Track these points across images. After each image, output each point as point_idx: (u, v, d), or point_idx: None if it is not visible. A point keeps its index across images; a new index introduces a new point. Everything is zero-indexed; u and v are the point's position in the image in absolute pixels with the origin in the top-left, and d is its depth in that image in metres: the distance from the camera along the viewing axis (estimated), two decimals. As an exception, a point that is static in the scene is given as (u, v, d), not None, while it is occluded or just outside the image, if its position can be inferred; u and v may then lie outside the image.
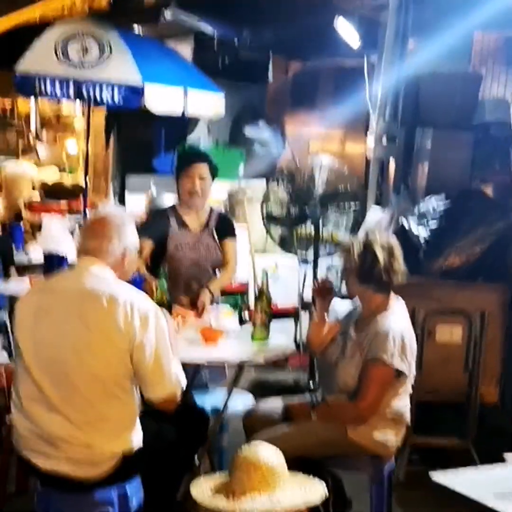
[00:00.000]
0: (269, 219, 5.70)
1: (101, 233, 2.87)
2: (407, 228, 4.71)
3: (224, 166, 7.04)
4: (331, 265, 6.39)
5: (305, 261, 6.51)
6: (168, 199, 6.68)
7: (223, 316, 3.81)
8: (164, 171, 6.89)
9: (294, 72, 9.23)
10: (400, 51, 5.22)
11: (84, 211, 6.35)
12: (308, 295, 6.49)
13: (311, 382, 5.65)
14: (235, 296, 5.26)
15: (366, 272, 3.35)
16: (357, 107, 9.09)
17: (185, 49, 7.19)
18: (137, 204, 6.83)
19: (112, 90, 5.85)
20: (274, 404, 3.64)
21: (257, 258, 6.36)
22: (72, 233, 6.03)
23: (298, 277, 6.53)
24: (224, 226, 4.39)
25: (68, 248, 5.48)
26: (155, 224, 4.29)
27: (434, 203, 4.71)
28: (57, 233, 5.65)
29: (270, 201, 5.67)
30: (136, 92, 5.95)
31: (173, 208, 4.35)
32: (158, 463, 3.02)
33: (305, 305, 6.56)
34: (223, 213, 4.49)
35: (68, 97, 5.87)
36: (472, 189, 4.84)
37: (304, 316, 6.56)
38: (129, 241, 2.92)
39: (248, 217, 6.41)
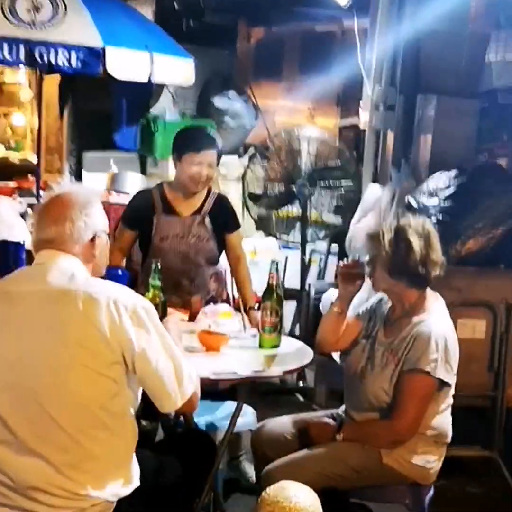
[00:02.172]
0: (251, 198, 5.14)
1: (62, 216, 2.27)
2: (416, 207, 4.17)
3: (192, 141, 6.43)
4: (314, 250, 5.87)
5: (286, 245, 5.98)
6: (132, 178, 6.03)
7: (221, 317, 3.21)
8: (125, 146, 6.22)
9: (257, 38, 8.57)
10: (398, 9, 4.64)
11: (38, 191, 5.64)
12: (291, 283, 6.03)
13: (301, 382, 5.13)
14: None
15: (399, 264, 2.80)
16: (327, 76, 8.60)
17: (145, 11, 6.49)
18: (96, 184, 6.14)
19: (69, 53, 5.15)
20: (284, 422, 3.08)
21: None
22: (23, 216, 5.34)
23: (281, 262, 6.01)
24: (224, 214, 3.74)
25: (22, 233, 4.81)
26: (137, 208, 3.66)
27: (445, 180, 4.18)
28: (8, 217, 4.93)
29: (252, 179, 5.10)
30: (96, 55, 5.26)
31: (159, 188, 3.68)
32: (159, 505, 2.43)
33: (287, 294, 6.05)
34: (222, 195, 3.83)
35: (17, 62, 5.13)
36: (489, 163, 4.32)
37: (287, 306, 6.06)
38: (97, 223, 2.32)
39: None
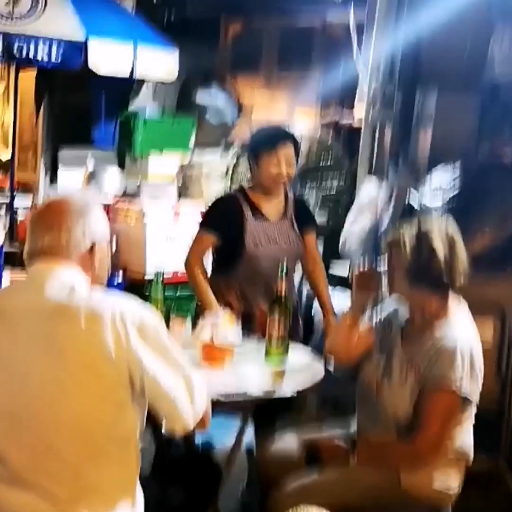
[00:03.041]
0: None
1: (57, 224, 2.06)
2: (417, 206, 3.96)
3: (174, 137, 6.17)
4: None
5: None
6: (110, 175, 5.75)
7: (223, 326, 2.94)
8: (104, 142, 5.94)
9: (235, 33, 8.29)
10: (398, 1, 4.41)
11: (11, 190, 5.34)
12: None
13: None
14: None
15: (421, 271, 2.58)
16: (307, 72, 8.37)
17: (125, 4, 6.19)
18: (72, 181, 5.86)
19: (50, 46, 4.85)
20: (291, 441, 2.84)
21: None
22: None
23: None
24: (303, 214, 3.61)
25: (-1, 234, 4.55)
26: (224, 212, 3.42)
27: (448, 178, 3.97)
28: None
29: (239, 176, 4.86)
30: (78, 49, 4.98)
31: (242, 192, 3.49)
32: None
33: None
34: (299, 196, 3.74)
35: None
36: (495, 161, 4.11)
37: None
38: (97, 230, 2.11)
39: (206, 195, 5.55)
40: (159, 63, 5.48)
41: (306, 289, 4.79)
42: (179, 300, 5.09)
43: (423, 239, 2.58)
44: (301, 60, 8.22)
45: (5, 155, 6.54)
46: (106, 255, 2.15)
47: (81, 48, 5.02)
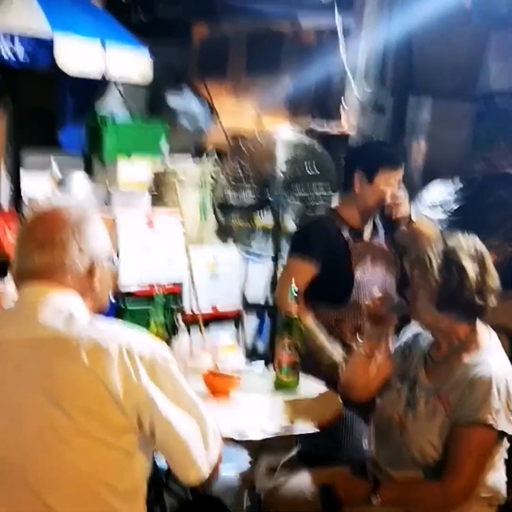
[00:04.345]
0: (220, 207, 4.60)
1: (49, 240, 1.76)
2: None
3: (144, 141, 5.86)
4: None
5: (248, 257, 5.49)
6: (77, 181, 5.42)
7: (223, 351, 2.68)
8: (71, 147, 5.60)
9: (202, 36, 8.03)
10: (389, 5, 4.22)
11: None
12: (253, 297, 5.55)
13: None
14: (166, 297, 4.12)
15: (451, 295, 2.34)
16: (276, 77, 8.14)
17: (93, 2, 5.88)
18: (36, 187, 5.51)
19: (13, 42, 4.49)
20: (303, 478, 2.58)
21: (192, 252, 5.23)
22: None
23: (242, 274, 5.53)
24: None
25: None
26: (322, 237, 3.07)
27: (450, 190, 3.78)
28: None
29: (220, 186, 4.57)
30: (45, 46, 4.64)
31: (334, 213, 3.18)
32: None
33: (251, 308, 5.60)
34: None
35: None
36: (499, 172, 3.94)
37: (247, 320, 5.62)
38: (97, 246, 1.82)
39: (181, 203, 5.26)
40: (132, 64, 5.18)
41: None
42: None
43: (450, 257, 2.35)
44: (271, 66, 8.02)
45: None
46: (108, 275, 1.86)
47: (48, 45, 4.69)
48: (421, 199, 3.84)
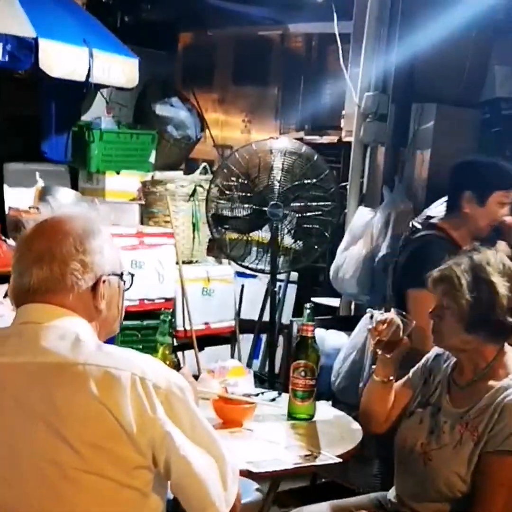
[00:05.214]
0: (215, 220, 4.39)
1: (49, 251, 1.57)
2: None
3: (133, 152, 5.64)
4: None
5: (242, 273, 5.29)
6: (63, 194, 5.18)
7: (231, 375, 2.47)
8: (55, 157, 5.35)
9: (190, 42, 7.81)
10: (390, 10, 4.05)
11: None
12: (249, 314, 5.35)
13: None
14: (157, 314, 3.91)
15: (482, 314, 2.17)
16: (265, 86, 7.95)
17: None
18: (19, 201, 5.27)
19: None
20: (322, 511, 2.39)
21: (184, 266, 5.04)
22: None
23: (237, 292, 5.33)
24: None
25: None
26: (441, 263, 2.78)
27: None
28: None
29: (214, 195, 4.38)
30: (27, 47, 4.41)
31: (445, 233, 3.00)
32: None
33: (245, 326, 5.40)
34: None
35: None
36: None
37: (242, 339, 5.41)
38: (104, 261, 1.61)
39: (173, 217, 5.06)
40: (118, 67, 4.97)
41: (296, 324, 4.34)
42: (146, 330, 4.59)
43: (479, 273, 2.18)
44: (259, 73, 7.84)
45: None
46: (117, 294, 1.65)
47: (31, 46, 4.46)
48: (427, 211, 3.67)
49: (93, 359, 1.48)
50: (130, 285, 1.69)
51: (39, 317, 1.55)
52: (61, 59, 4.66)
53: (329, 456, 2.06)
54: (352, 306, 4.53)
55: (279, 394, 2.53)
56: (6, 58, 4.39)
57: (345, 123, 4.42)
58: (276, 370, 4.42)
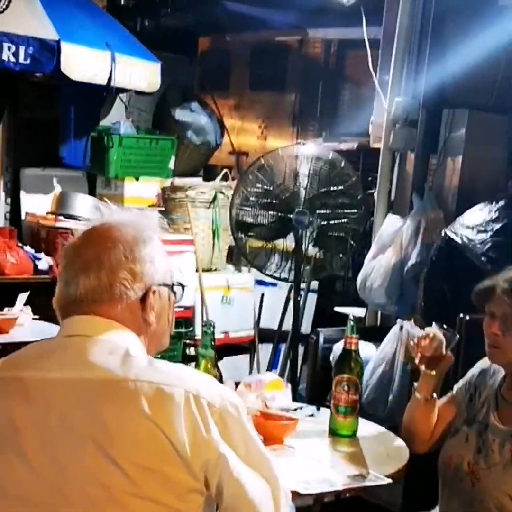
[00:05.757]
0: (240, 227, 4.29)
1: (97, 259, 1.46)
2: (459, 242, 3.46)
3: (152, 158, 5.56)
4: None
5: (262, 281, 5.20)
6: (81, 200, 5.11)
7: (268, 389, 2.37)
8: (74, 163, 5.27)
9: (208, 47, 7.72)
10: (422, 14, 3.96)
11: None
12: (267, 324, 5.26)
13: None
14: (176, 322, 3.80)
15: None
16: (282, 91, 7.86)
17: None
18: (36, 207, 5.20)
19: (17, 45, 4.19)
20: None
21: (204, 274, 4.95)
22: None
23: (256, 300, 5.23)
24: None
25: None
26: None
27: (492, 209, 3.50)
28: None
29: (237, 202, 4.28)
30: (49, 50, 4.34)
31: None
32: None
33: (264, 335, 5.30)
34: None
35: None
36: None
37: (261, 348, 5.31)
38: (154, 271, 1.50)
39: (193, 224, 4.97)
40: (140, 71, 4.89)
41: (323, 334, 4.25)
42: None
43: None
44: (275, 79, 7.74)
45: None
46: (167, 306, 1.55)
47: (53, 50, 4.39)
48: (461, 220, 3.56)
49: (145, 375, 1.38)
50: (181, 298, 1.59)
51: (86, 330, 1.45)
52: (83, 63, 4.60)
53: (379, 476, 1.95)
54: (379, 316, 4.42)
55: (318, 409, 2.42)
56: (28, 61, 4.32)
57: (373, 129, 4.31)
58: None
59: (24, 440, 1.38)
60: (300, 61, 7.51)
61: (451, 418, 2.28)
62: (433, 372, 2.24)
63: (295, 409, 2.37)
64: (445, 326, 2.27)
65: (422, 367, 2.26)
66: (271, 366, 5.37)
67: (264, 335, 5.26)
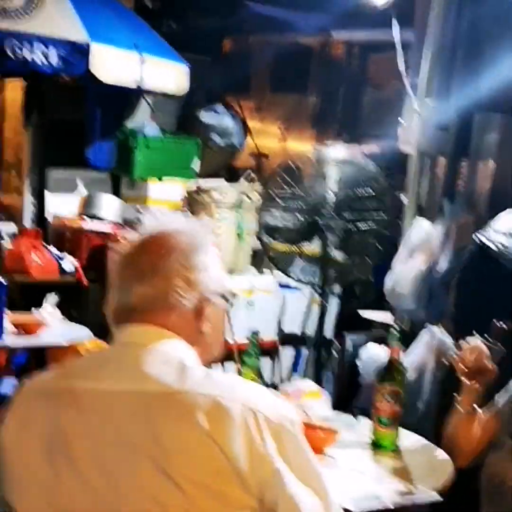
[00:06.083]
0: (267, 231, 4.27)
1: (153, 267, 1.43)
2: (493, 248, 3.42)
3: (176, 159, 5.53)
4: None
5: (286, 284, 5.17)
6: (107, 201, 5.10)
7: (306, 398, 2.34)
8: (99, 164, 5.28)
9: (227, 50, 7.70)
10: (456, 17, 3.91)
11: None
12: (289, 328, 5.23)
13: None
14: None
15: None
16: (303, 94, 7.83)
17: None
18: (62, 207, 5.18)
19: (47, 47, 4.18)
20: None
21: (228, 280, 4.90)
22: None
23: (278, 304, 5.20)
24: None
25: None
26: None
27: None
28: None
29: (264, 205, 4.26)
30: (80, 52, 4.33)
31: None
32: None
33: (287, 339, 5.27)
34: None
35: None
36: None
37: (283, 352, 5.28)
38: (210, 280, 1.48)
39: (216, 226, 4.94)
40: (169, 74, 4.87)
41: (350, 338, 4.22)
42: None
43: None
44: (297, 81, 7.70)
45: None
46: (221, 317, 1.52)
47: (84, 51, 4.38)
48: (494, 225, 3.52)
49: (201, 387, 1.34)
50: (232, 307, 1.57)
51: (140, 339, 1.42)
52: (113, 64, 4.58)
53: (428, 492, 1.90)
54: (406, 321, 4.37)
55: (356, 418, 2.40)
56: (60, 63, 4.30)
57: (402, 132, 4.27)
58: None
59: (76, 452, 1.35)
60: (322, 63, 7.49)
61: (494, 431, 2.24)
62: (476, 385, 2.20)
63: (335, 419, 2.34)
64: (490, 340, 2.23)
65: (465, 380, 2.22)
66: (293, 370, 5.35)
67: (286, 338, 5.23)
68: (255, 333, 2.13)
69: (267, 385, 2.16)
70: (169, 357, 1.39)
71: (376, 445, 2.20)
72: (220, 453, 1.30)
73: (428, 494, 1.90)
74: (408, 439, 2.29)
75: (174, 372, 1.36)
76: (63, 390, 1.40)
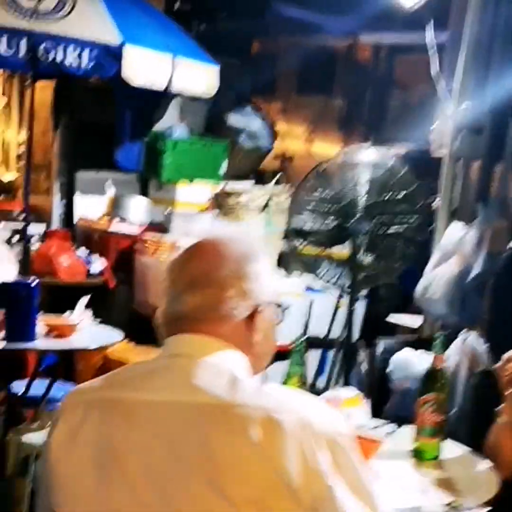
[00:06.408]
0: (296, 234, 4.24)
1: (206, 276, 1.40)
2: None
3: (205, 162, 5.53)
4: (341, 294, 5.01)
5: (311, 288, 5.15)
6: (136, 203, 5.10)
7: (346, 405, 2.30)
8: (128, 166, 5.28)
9: (255, 52, 7.69)
10: (493, 17, 3.87)
11: (26, 217, 4.65)
12: (315, 330, 5.20)
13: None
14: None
15: None
16: (330, 96, 7.80)
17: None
18: (91, 209, 5.19)
19: (80, 50, 4.18)
20: None
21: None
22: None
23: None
24: None
25: (12, 269, 3.88)
26: None
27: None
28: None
29: (294, 208, 4.23)
30: (112, 55, 4.32)
31: None
32: None
33: (313, 342, 5.24)
34: None
35: (16, 62, 4.13)
36: None
37: (310, 356, 5.25)
38: (263, 289, 1.44)
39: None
40: (199, 76, 4.86)
41: (381, 342, 4.19)
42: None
43: None
44: (323, 84, 7.68)
45: (8, 177, 5.89)
46: (273, 326, 1.48)
47: (116, 54, 4.37)
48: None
49: (253, 400, 1.30)
50: (283, 319, 1.54)
51: (191, 350, 1.39)
52: (145, 66, 4.57)
53: (473, 504, 1.87)
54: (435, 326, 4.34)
55: (399, 426, 2.36)
56: (91, 65, 4.31)
57: (435, 136, 4.23)
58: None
59: (127, 465, 1.31)
60: (349, 65, 7.46)
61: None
62: None
63: (375, 427, 2.31)
64: None
65: (508, 389, 2.19)
66: (318, 374, 5.31)
67: (311, 342, 5.21)
68: (300, 341, 2.09)
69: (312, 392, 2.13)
70: (221, 368, 1.36)
71: (418, 455, 2.17)
72: (272, 468, 1.26)
73: (474, 507, 1.86)
74: (448, 448, 2.25)
75: (226, 384, 1.32)
76: (112, 401, 1.37)
